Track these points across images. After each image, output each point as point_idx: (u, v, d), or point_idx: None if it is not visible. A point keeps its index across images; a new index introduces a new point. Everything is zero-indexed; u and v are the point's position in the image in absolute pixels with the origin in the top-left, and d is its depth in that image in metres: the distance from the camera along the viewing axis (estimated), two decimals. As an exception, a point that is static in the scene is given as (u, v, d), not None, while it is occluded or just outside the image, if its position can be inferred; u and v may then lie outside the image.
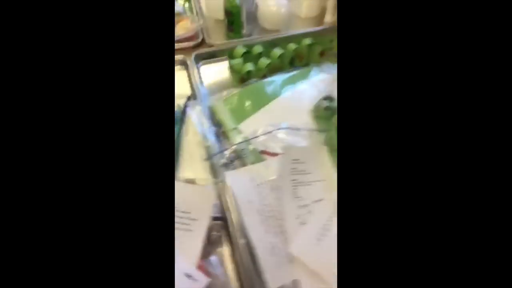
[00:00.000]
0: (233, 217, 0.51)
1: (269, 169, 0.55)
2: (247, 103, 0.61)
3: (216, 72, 0.70)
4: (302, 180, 0.54)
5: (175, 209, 0.48)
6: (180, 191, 0.45)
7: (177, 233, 0.46)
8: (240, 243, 0.49)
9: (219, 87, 0.66)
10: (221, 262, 0.49)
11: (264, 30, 0.79)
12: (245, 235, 0.49)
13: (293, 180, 0.54)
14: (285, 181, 0.53)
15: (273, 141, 0.57)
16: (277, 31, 0.78)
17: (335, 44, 0.72)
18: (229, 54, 0.69)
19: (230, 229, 0.50)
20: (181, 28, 0.76)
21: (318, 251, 0.48)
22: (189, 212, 0.49)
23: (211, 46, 0.73)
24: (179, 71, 0.70)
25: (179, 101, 0.62)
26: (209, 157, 0.56)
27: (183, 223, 0.49)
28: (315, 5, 0.81)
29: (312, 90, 0.63)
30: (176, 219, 0.48)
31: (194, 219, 0.49)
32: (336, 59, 0.70)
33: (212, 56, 0.73)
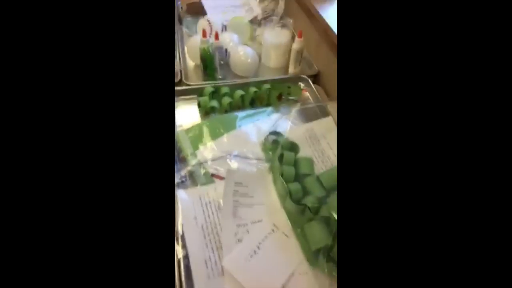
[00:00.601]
0: (177, 230, 0.52)
1: (217, 191, 0.57)
2: (206, 133, 0.65)
3: (188, 107, 0.75)
4: (243, 202, 0.56)
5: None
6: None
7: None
8: (178, 254, 0.50)
9: (189, 120, 0.71)
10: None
11: (236, 76, 0.86)
12: (185, 247, 0.51)
13: (235, 201, 0.56)
14: (227, 201, 0.55)
15: (223, 166, 0.60)
16: (246, 77, 0.85)
17: (291, 90, 0.78)
18: (199, 92, 0.74)
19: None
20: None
21: (248, 267, 0.49)
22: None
23: (187, 85, 0.79)
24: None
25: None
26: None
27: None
28: (281, 58, 0.88)
29: (264, 126, 0.67)
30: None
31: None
32: (291, 103, 0.75)
33: (187, 94, 0.78)
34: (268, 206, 0.57)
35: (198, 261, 0.49)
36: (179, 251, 0.50)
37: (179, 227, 0.53)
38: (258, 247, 0.51)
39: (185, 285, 0.47)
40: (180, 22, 1.03)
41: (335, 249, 0.47)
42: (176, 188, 0.57)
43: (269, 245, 0.52)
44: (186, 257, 0.50)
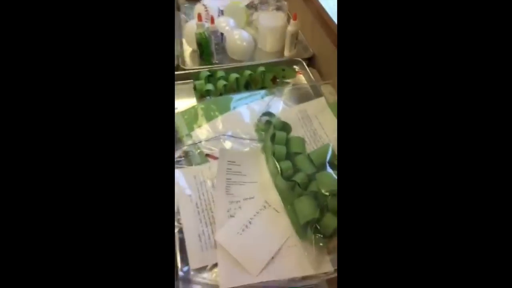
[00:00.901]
0: (175, 208, 0.53)
1: (211, 170, 0.58)
2: (201, 115, 0.65)
3: (184, 90, 0.75)
4: (236, 180, 0.57)
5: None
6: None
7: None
8: (178, 229, 0.51)
9: (185, 103, 0.71)
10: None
11: (232, 60, 0.85)
12: (179, 222, 0.52)
13: (228, 179, 0.56)
14: (221, 179, 0.56)
15: (217, 146, 0.61)
16: (242, 61, 0.84)
17: (286, 73, 0.78)
18: (195, 76, 0.74)
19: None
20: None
21: (240, 240, 0.50)
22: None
23: (184, 70, 0.79)
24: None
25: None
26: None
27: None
28: (277, 41, 0.87)
29: (257, 107, 0.67)
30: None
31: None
32: (285, 86, 0.75)
33: (184, 78, 0.78)
34: (260, 184, 0.57)
35: (192, 235, 0.50)
36: (177, 229, 0.51)
37: (175, 208, 0.54)
38: (250, 222, 0.52)
39: (179, 257, 0.48)
40: (178, 8, 1.02)
41: (322, 222, 0.48)
42: (176, 169, 0.58)
43: (261, 220, 0.53)
44: (180, 231, 0.51)
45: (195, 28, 0.79)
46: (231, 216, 0.53)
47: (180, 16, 1.00)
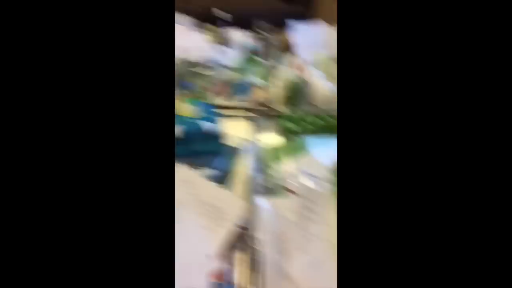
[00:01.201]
0: (253, 231, 0.59)
1: (288, 203, 0.63)
2: (284, 152, 0.72)
3: (270, 127, 0.83)
4: (308, 216, 0.61)
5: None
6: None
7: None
8: (253, 251, 0.57)
9: (270, 139, 0.79)
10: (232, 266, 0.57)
11: (316, 107, 0.91)
12: (255, 248, 0.57)
13: (302, 214, 0.61)
14: (296, 213, 0.60)
15: (296, 183, 0.66)
16: (325, 109, 0.89)
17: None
18: (282, 116, 0.82)
19: (248, 239, 0.59)
20: (257, 96, 0.94)
21: (306, 274, 0.53)
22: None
23: (271, 109, 0.88)
24: (248, 124, 0.85)
25: (242, 142, 0.77)
26: (250, 184, 0.67)
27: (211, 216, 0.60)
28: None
29: (335, 152, 0.71)
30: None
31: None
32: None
33: (271, 118, 0.86)
34: (329, 227, 0.60)
35: (266, 260, 0.55)
36: (253, 251, 0.57)
37: (254, 228, 0.60)
38: (319, 260, 0.55)
39: (252, 278, 0.53)
40: (268, 55, 1.14)
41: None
42: (258, 194, 0.64)
43: (326, 257, 0.55)
44: (257, 254, 0.56)
45: (285, 74, 0.88)
46: (301, 249, 0.57)
47: (269, 61, 1.11)
